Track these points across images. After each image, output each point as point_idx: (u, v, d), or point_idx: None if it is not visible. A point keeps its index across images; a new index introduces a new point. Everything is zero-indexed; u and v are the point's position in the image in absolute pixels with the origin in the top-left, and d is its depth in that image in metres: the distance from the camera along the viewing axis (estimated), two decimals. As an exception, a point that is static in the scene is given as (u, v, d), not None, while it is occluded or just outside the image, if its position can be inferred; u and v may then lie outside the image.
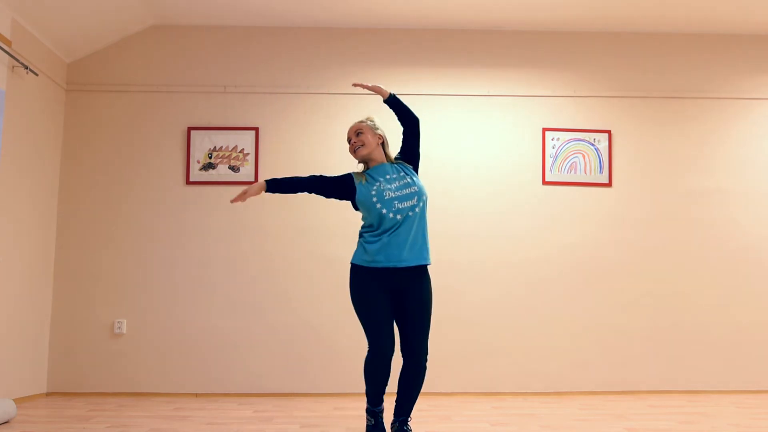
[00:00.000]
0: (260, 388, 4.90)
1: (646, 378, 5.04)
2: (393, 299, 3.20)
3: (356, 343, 4.52)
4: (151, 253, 5.03)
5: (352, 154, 3.30)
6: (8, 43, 4.25)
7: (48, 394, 4.85)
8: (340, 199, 3.29)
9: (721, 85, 5.34)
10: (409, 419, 3.24)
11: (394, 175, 3.23)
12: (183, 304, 4.99)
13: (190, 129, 5.12)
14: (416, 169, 3.34)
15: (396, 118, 3.38)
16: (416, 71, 5.25)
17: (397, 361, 3.19)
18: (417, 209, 3.17)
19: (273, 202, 4.97)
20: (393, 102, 3.34)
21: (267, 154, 5.12)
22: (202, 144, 5.10)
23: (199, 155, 5.10)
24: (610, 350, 5.06)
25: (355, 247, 3.36)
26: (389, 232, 3.14)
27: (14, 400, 4.34)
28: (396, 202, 3.15)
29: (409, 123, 3.35)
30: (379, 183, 3.19)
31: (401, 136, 3.37)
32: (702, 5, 4.94)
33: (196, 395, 4.88)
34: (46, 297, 4.91)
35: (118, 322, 4.95)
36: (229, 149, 5.12)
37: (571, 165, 5.20)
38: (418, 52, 5.27)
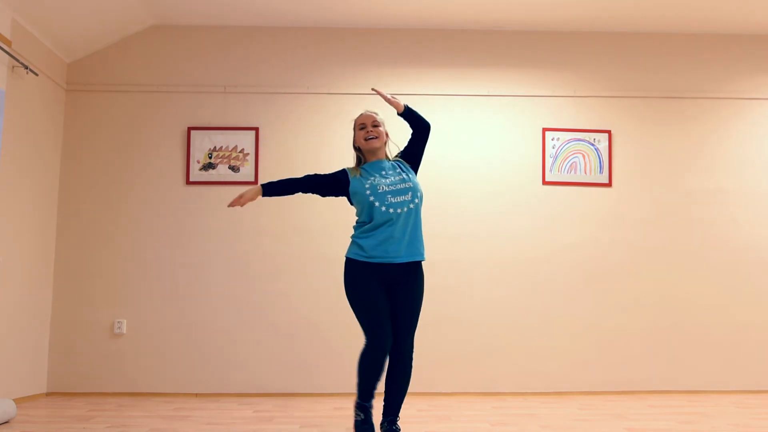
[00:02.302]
0: (260, 388, 4.90)
1: (646, 378, 5.04)
2: (386, 294, 3.19)
3: (356, 342, 4.49)
4: (151, 253, 5.03)
5: (360, 142, 3.28)
6: (8, 43, 4.25)
7: (48, 394, 4.85)
8: (336, 195, 3.28)
9: (721, 85, 5.34)
10: (398, 418, 3.23)
11: (390, 172, 3.24)
12: (183, 305, 4.99)
13: (190, 129, 5.12)
14: (415, 170, 3.35)
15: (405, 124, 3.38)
16: (416, 71, 5.25)
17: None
18: (411, 205, 3.17)
19: (272, 202, 4.96)
20: (407, 114, 3.35)
21: (267, 154, 5.12)
22: (202, 144, 5.10)
23: (199, 155, 5.10)
24: (610, 350, 5.06)
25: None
26: (383, 226, 3.14)
27: (14, 400, 4.34)
28: (389, 196, 3.15)
29: (421, 130, 3.36)
30: (374, 177, 3.20)
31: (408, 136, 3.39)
32: (702, 5, 4.94)
33: (196, 395, 4.88)
34: (46, 297, 4.91)
35: (118, 322, 4.95)
36: (229, 149, 5.12)
37: (571, 165, 5.20)
38: (418, 52, 5.27)
